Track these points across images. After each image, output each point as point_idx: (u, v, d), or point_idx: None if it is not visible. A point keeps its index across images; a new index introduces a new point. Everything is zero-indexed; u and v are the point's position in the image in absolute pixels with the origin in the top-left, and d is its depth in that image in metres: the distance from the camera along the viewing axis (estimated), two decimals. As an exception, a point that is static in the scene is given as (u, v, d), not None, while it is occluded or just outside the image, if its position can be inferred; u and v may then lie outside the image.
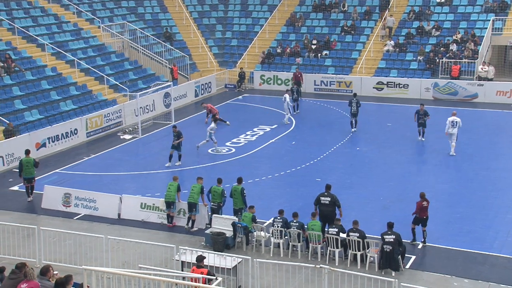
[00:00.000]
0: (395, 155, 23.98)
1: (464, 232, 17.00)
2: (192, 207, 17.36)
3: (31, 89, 27.96)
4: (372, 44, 36.49)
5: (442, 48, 34.72)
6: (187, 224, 17.59)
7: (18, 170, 20.25)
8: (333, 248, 15.30)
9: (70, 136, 26.00)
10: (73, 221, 18.39)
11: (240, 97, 34.91)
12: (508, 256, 15.35)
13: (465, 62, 33.62)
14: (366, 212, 18.21)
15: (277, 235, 15.96)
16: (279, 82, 36.64)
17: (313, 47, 37.79)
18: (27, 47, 30.67)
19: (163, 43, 37.23)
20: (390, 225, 15.02)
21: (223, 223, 16.62)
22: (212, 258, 13.98)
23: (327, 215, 16.13)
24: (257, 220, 16.65)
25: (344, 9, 40.06)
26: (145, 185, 21.14)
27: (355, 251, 15.11)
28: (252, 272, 13.76)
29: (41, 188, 19.95)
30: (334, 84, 35.19)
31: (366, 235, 15.23)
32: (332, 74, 35.83)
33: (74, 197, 19.07)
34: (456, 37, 35.27)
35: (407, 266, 15.01)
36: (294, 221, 15.97)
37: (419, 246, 16.10)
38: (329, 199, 16.40)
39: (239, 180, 17.43)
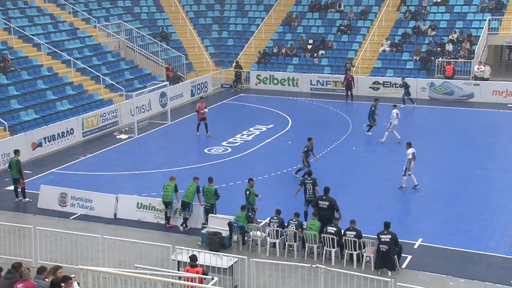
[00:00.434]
0: (391, 155, 24.00)
1: (461, 231, 17.03)
2: (186, 206, 17.35)
3: (27, 88, 27.89)
4: (368, 44, 36.53)
5: (438, 48, 34.78)
6: (181, 224, 17.58)
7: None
8: (330, 247, 15.31)
9: (66, 135, 25.94)
10: (69, 220, 18.35)
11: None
12: (504, 256, 15.39)
13: (461, 61, 33.69)
14: (362, 211, 18.23)
15: (273, 235, 15.96)
16: (275, 82, 36.65)
17: (309, 47, 37.80)
18: (23, 46, 30.59)
19: (159, 42, 37.19)
20: (387, 225, 15.04)
21: (219, 223, 16.62)
22: (208, 258, 13.98)
23: (325, 219, 16.12)
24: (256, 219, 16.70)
25: (340, 9, 40.08)
26: (142, 185, 21.11)
27: (351, 250, 15.12)
28: (248, 272, 13.76)
29: (37, 188, 19.90)
30: (330, 84, 35.21)
31: (363, 234, 15.24)
32: (328, 74, 35.86)
33: (70, 196, 19.03)
34: (452, 36, 35.34)
35: (403, 266, 15.03)
36: (294, 219, 15.96)
37: (416, 246, 16.11)
38: (327, 203, 16.40)
39: (210, 180, 17.50)
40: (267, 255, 15.82)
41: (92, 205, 18.71)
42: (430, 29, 36.43)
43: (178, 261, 14.20)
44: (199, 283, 11.93)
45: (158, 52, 36.50)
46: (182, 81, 35.28)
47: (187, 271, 12.69)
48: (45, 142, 24.87)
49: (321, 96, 34.34)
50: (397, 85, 33.75)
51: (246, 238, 16.47)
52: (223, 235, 16.18)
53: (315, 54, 37.34)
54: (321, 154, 24.06)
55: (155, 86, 30.61)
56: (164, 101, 31.09)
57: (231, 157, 24.11)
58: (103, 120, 27.98)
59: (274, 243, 16.03)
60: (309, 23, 40.02)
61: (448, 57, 34.01)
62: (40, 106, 27.23)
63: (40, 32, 32.36)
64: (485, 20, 35.45)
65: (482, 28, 35.08)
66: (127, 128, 28.23)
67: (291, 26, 40.03)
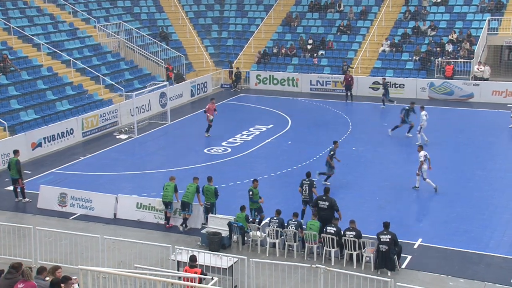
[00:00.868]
0: (391, 155, 24.00)
1: (460, 231, 17.03)
2: (185, 206, 17.36)
3: (27, 89, 27.89)
4: (368, 44, 36.54)
5: (438, 48, 34.79)
6: (181, 225, 17.58)
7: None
8: (329, 248, 15.32)
9: (66, 136, 25.94)
10: (69, 221, 18.35)
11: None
12: (504, 256, 15.38)
13: (460, 62, 33.70)
14: (362, 211, 18.23)
15: (273, 235, 15.96)
16: (275, 82, 36.66)
17: (309, 47, 37.81)
18: (23, 47, 30.59)
19: (159, 43, 37.20)
20: (386, 225, 15.04)
21: (219, 223, 16.62)
22: (208, 258, 13.98)
23: (325, 219, 16.12)
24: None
25: (340, 9, 40.09)
26: (141, 185, 21.11)
27: (351, 250, 15.13)
28: (248, 272, 13.76)
29: (37, 188, 19.90)
30: (330, 84, 35.21)
31: (362, 234, 15.24)
32: (328, 74, 35.86)
33: (70, 197, 19.03)
34: (452, 37, 35.35)
35: (403, 266, 15.03)
36: (293, 219, 15.98)
37: (415, 246, 16.11)
38: (327, 203, 16.41)
39: (210, 179, 17.54)
40: (267, 255, 15.82)
41: (91, 205, 18.71)
42: (429, 29, 36.44)
43: (178, 261, 14.20)
44: (198, 283, 11.93)
45: (158, 52, 36.51)
46: (185, 80, 35.35)
47: (186, 271, 12.69)
48: (45, 142, 24.87)
49: (320, 96, 34.35)
50: (396, 85, 33.79)
51: (246, 238, 16.47)
52: (222, 235, 16.18)
53: (315, 54, 37.34)
54: (321, 154, 24.06)
55: (155, 86, 30.62)
56: (164, 101, 31.09)
57: (231, 157, 24.11)
58: (103, 120, 27.98)
59: (274, 243, 16.03)
60: (309, 23, 40.03)
61: (448, 57, 34.02)
62: (40, 106, 27.23)
63: (40, 32, 32.36)
64: (485, 20, 35.45)
65: (482, 28, 35.09)
66: (126, 128, 28.23)
67: (291, 26, 40.04)
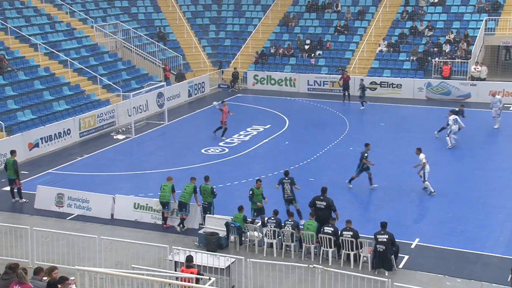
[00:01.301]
0: (388, 155, 24.02)
1: (457, 231, 17.05)
2: (183, 206, 17.36)
3: (24, 89, 27.84)
4: (365, 44, 36.57)
5: (435, 49, 34.84)
6: (178, 225, 17.58)
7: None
8: (327, 248, 15.32)
9: (63, 136, 25.91)
10: (66, 221, 18.33)
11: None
12: (501, 256, 15.40)
13: (458, 62, 33.75)
14: (359, 211, 18.25)
15: (271, 235, 15.97)
16: (273, 82, 36.66)
17: (306, 47, 37.83)
18: (20, 47, 30.54)
19: (156, 43, 37.17)
20: (383, 225, 15.05)
21: (216, 223, 16.62)
22: (206, 258, 13.97)
23: (323, 219, 16.12)
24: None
25: (337, 9, 40.12)
26: (139, 185, 21.09)
27: (349, 250, 15.13)
28: (245, 272, 13.76)
29: (34, 189, 19.87)
30: (327, 84, 35.23)
31: (360, 234, 15.25)
32: (326, 74, 35.88)
33: (67, 197, 19.00)
34: (449, 37, 35.40)
35: (400, 266, 15.04)
36: (289, 220, 15.99)
37: (412, 246, 16.12)
38: (324, 203, 16.40)
39: (206, 179, 17.56)
40: (264, 255, 15.82)
41: (89, 206, 18.69)
42: (427, 30, 36.49)
43: (175, 262, 14.19)
44: (195, 283, 11.92)
45: (155, 52, 36.49)
46: (186, 79, 35.39)
47: (182, 271, 12.69)
48: (42, 143, 24.84)
49: (318, 96, 34.35)
50: (393, 85, 33.83)
51: (243, 239, 16.47)
52: (220, 235, 16.18)
53: (312, 55, 37.36)
54: (318, 154, 24.10)
55: (153, 87, 30.60)
56: (161, 102, 31.07)
57: (228, 158, 24.11)
58: (100, 121, 27.94)
59: (271, 243, 16.03)
60: (306, 23, 40.04)
61: (445, 58, 34.07)
62: (37, 106, 27.19)
63: (37, 32, 32.32)
64: (482, 20, 35.50)
65: (479, 28, 35.14)
66: (124, 129, 28.21)
67: (288, 26, 40.05)
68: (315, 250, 15.69)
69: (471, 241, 16.30)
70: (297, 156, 23.88)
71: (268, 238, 16.03)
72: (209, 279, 12.27)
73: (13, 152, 20.10)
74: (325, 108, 31.99)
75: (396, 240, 14.97)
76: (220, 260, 14.02)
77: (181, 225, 17.55)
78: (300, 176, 21.75)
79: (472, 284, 14.08)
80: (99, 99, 29.77)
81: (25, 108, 26.70)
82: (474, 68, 33.16)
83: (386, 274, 14.33)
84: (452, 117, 24.95)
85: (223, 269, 13.90)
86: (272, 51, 38.50)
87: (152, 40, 37.17)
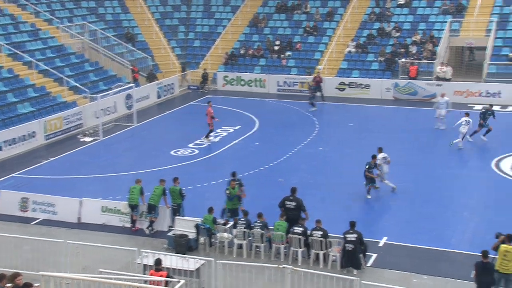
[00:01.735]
0: (357, 155, 24.19)
1: (424, 230, 17.29)
2: (152, 209, 17.22)
3: (-13, 91, 27.26)
4: (334, 45, 36.85)
5: (402, 49, 35.31)
6: (147, 228, 17.42)
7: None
8: (296, 247, 15.36)
9: (28, 139, 25.41)
10: (31, 226, 17.97)
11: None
12: (465, 252, 15.67)
13: (424, 62, 34.25)
14: (328, 211, 18.34)
15: (240, 236, 15.94)
16: (242, 83, 36.65)
17: (276, 48, 37.93)
18: (-17, 48, 29.90)
19: (124, 44, 36.78)
20: (352, 224, 15.17)
21: (186, 225, 16.51)
22: (175, 261, 13.86)
23: (292, 219, 16.15)
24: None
25: (307, 10, 40.34)
26: (107, 188, 20.81)
27: (318, 250, 15.20)
28: (215, 274, 13.70)
29: (-3, 193, 19.42)
30: (297, 85, 35.37)
31: (329, 234, 15.34)
32: (295, 75, 36.03)
33: (32, 201, 18.62)
34: (416, 38, 35.92)
35: (369, 264, 15.18)
36: (258, 221, 16.00)
37: (381, 244, 16.28)
38: (294, 203, 16.44)
39: (175, 180, 17.48)
40: (234, 256, 15.78)
41: (55, 210, 18.36)
42: (394, 31, 36.96)
43: (144, 265, 14.04)
44: (164, 286, 11.81)
45: (124, 53, 36.10)
46: (158, 79, 35.11)
47: (151, 274, 12.57)
48: (6, 146, 24.31)
49: (288, 97, 34.46)
50: (361, 85, 34.16)
51: (213, 240, 16.40)
52: (189, 237, 16.08)
53: (282, 56, 37.48)
54: (288, 155, 24.17)
55: (121, 88, 30.27)
56: (130, 103, 30.75)
57: (198, 159, 23.99)
58: (67, 123, 27.51)
59: (241, 244, 16.00)
60: (276, 24, 40.16)
61: (412, 58, 34.56)
62: (1, 109, 26.61)
63: (0, 33, 31.63)
64: (447, 22, 36.11)
65: (444, 30, 35.74)
66: (91, 131, 27.82)
67: (258, 27, 40.10)
68: (285, 250, 15.72)
69: (437, 239, 16.55)
70: (267, 157, 23.91)
71: (238, 239, 16.00)
72: (179, 281, 12.17)
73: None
74: (295, 109, 32.09)
75: (364, 239, 15.10)
76: (190, 262, 13.94)
77: (150, 228, 17.39)
78: (270, 177, 21.86)
79: (438, 281, 14.29)
80: (66, 101, 29.29)
81: (-11, 110, 26.15)
82: (440, 69, 33.72)
83: (355, 273, 14.45)
84: (464, 118, 24.56)
85: (193, 271, 13.82)
86: (242, 52, 38.49)
87: (120, 41, 36.78)
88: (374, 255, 15.55)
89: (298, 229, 15.49)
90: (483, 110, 25.78)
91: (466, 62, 39.13)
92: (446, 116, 27.01)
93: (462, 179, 21.35)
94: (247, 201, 18.73)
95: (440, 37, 35.37)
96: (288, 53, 37.54)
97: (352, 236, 14.83)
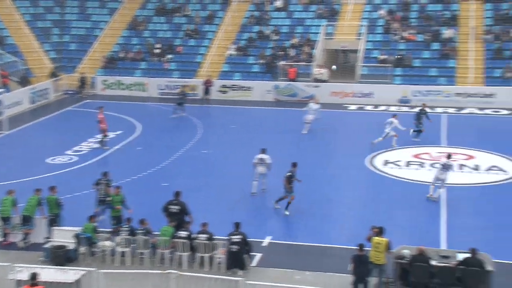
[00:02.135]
0: (241, 156, 24.48)
1: (305, 227, 17.83)
2: (26, 220, 16.26)
3: None
4: (215, 48, 37.07)
5: (281, 52, 36.32)
6: (21, 241, 16.40)
7: None
8: (181, 252, 15.21)
9: None
10: None
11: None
12: (343, 246, 16.30)
13: (302, 65, 35.48)
14: (214, 213, 18.35)
15: (123, 243, 15.49)
16: (123, 87, 35.76)
17: (157, 51, 37.42)
18: None
19: (-8, 46, 34.48)
20: (237, 225, 15.29)
21: (64, 235, 15.75)
22: (53, 273, 13.17)
23: (177, 223, 15.95)
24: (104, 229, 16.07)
25: (187, 13, 40.22)
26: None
27: (203, 253, 15.16)
28: (97, 284, 13.18)
29: None
30: (179, 88, 35.08)
31: (214, 236, 15.35)
32: (177, 78, 35.77)
33: None
34: (293, 41, 37.11)
35: (254, 264, 15.37)
36: (141, 227, 15.66)
37: (264, 244, 16.57)
38: (178, 207, 16.27)
39: (52, 189, 16.81)
40: (117, 265, 15.30)
41: None
42: (273, 34, 37.92)
43: (18, 280, 13.17)
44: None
45: (-8, 57, 33.83)
46: (31, 84, 33.19)
47: (26, 290, 11.84)
48: None
49: (170, 101, 34.01)
50: (243, 88, 34.67)
51: (94, 249, 15.78)
52: (68, 248, 15.35)
53: (162, 59, 37.05)
54: (171, 159, 23.91)
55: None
56: (0, 109, 28.81)
57: (77, 166, 23.02)
58: None
59: (124, 252, 15.55)
60: (156, 27, 39.65)
61: (290, 61, 35.65)
62: None
63: None
64: (321, 26, 37.69)
65: (319, 33, 37.28)
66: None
67: (137, 30, 39.33)
68: (170, 255, 15.50)
69: (317, 235, 17.14)
70: (150, 162, 23.48)
71: (121, 246, 15.53)
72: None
73: None
74: (179, 112, 31.79)
75: (249, 239, 15.28)
76: (69, 274, 13.31)
77: (24, 241, 16.38)
78: (154, 182, 21.48)
79: (319, 276, 14.77)
80: None
81: None
82: (317, 71, 35.10)
83: (240, 274, 14.56)
84: (391, 119, 25.08)
85: (72, 283, 13.20)
86: (121, 55, 37.52)
87: (-12, 44, 34.40)
88: (259, 255, 15.78)
89: (183, 233, 15.36)
90: (418, 111, 26.59)
91: (341, 64, 41.05)
92: (312, 122, 27.37)
93: (339, 177, 22.27)
94: (130, 207, 18.29)
95: (316, 40, 36.83)
96: (169, 56, 37.18)
97: (236, 238, 14.94)
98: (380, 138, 24.94)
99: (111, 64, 36.98)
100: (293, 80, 34.75)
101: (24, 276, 13.04)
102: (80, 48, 38.77)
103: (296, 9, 39.89)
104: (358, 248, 13.68)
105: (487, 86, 32.82)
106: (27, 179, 21.28)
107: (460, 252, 13.81)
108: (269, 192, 20.47)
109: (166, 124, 29.62)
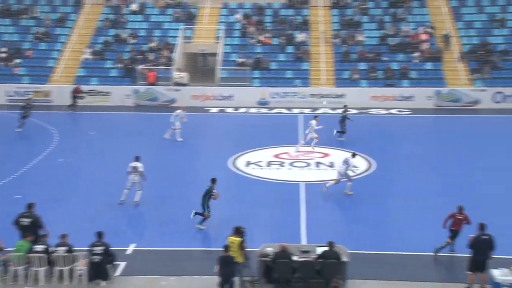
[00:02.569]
0: (101, 164, 23.68)
1: (170, 232, 17.56)
2: None
3: None
4: (69, 52, 35.47)
5: (140, 56, 35.67)
6: None
7: None
8: (37, 267, 14.30)
9: None
10: None
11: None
12: (204, 249, 16.48)
13: (162, 69, 35.14)
14: (74, 224, 17.50)
15: (-29, 264, 14.21)
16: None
17: (3, 55, 34.93)
18: None
19: None
20: (99, 235, 14.71)
21: None
22: None
23: (34, 237, 14.93)
24: None
25: (35, 15, 38.02)
26: None
27: (62, 266, 14.38)
28: None
29: None
30: (30, 94, 33.06)
31: (76, 248, 14.64)
32: (28, 83, 33.67)
33: None
34: (152, 45, 36.63)
35: (118, 273, 14.89)
36: (-14, 244, 14.49)
37: (128, 252, 16.12)
38: (30, 219, 15.27)
39: None
40: (-37, 288, 14.02)
41: None
42: (130, 37, 37.13)
43: None
44: None
45: None
46: None
47: None
48: None
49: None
50: (101, 93, 33.55)
51: None
52: None
53: (10, 63, 34.67)
54: (24, 169, 22.45)
55: None
56: None
57: None
58: None
59: (-29, 273, 14.28)
60: (1, 30, 37.03)
61: (150, 65, 35.15)
62: None
63: None
64: (179, 29, 37.63)
65: (178, 37, 37.18)
66: None
67: (-20, 32, 36.45)
68: (25, 271, 14.50)
69: (179, 239, 16.89)
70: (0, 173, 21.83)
71: (-32, 268, 14.24)
72: None
73: None
74: (30, 120, 29.86)
75: (112, 248, 14.76)
76: None
77: None
78: (5, 194, 19.97)
79: (184, 280, 14.65)
80: None
81: None
82: (177, 75, 34.98)
83: (103, 284, 14.06)
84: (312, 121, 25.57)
85: None
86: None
87: None
88: (123, 263, 15.31)
89: (39, 247, 14.45)
90: (341, 113, 27.46)
91: (200, 68, 41.34)
92: (182, 128, 27.09)
93: (201, 179, 22.19)
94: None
95: (175, 44, 36.67)
96: (17, 60, 34.87)
97: (98, 248, 14.37)
98: (302, 141, 25.66)
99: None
100: (153, 84, 34.29)
101: None
102: None
103: (152, 13, 39.44)
104: (223, 249, 13.80)
105: (337, 87, 34.79)
106: None
107: (319, 246, 14.47)
108: (132, 197, 19.96)
109: (16, 133, 27.70)
